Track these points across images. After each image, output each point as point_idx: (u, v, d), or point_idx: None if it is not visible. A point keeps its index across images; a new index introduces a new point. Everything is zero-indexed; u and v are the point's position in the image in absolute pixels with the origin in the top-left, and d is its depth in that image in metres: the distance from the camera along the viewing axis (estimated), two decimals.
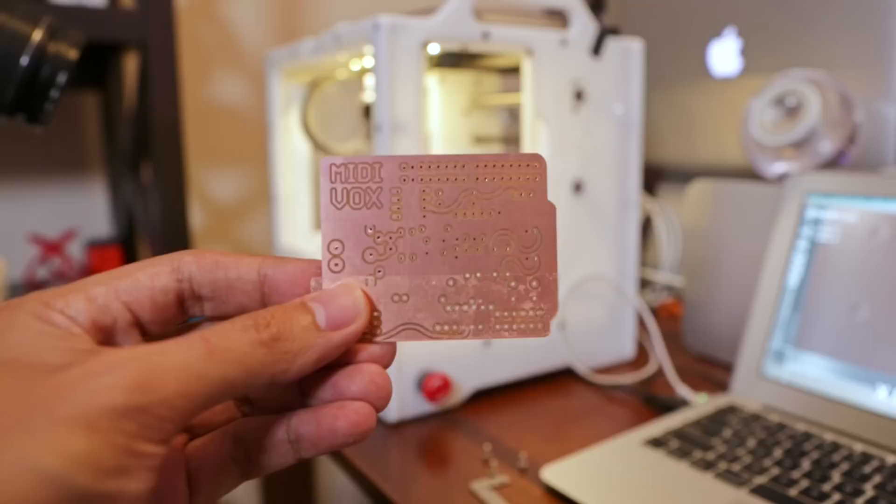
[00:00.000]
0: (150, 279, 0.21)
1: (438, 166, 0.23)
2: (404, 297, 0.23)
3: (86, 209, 0.97)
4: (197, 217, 1.03)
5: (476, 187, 0.23)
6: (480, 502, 0.46)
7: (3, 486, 0.15)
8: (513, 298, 0.23)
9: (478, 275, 0.23)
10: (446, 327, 0.23)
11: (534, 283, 0.23)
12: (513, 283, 0.23)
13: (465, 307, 0.23)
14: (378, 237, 0.23)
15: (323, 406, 0.22)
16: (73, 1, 0.69)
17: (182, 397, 0.18)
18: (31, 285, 0.87)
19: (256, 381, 0.20)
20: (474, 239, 0.23)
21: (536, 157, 0.23)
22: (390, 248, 0.23)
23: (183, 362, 0.18)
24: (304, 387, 0.23)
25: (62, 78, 0.44)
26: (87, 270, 0.92)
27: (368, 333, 0.23)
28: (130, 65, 0.88)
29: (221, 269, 0.22)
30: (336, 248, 0.23)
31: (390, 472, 0.50)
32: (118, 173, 0.92)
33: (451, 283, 0.23)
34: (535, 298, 0.23)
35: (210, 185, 1.04)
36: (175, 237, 0.77)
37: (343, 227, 0.23)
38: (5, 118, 0.44)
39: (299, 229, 0.82)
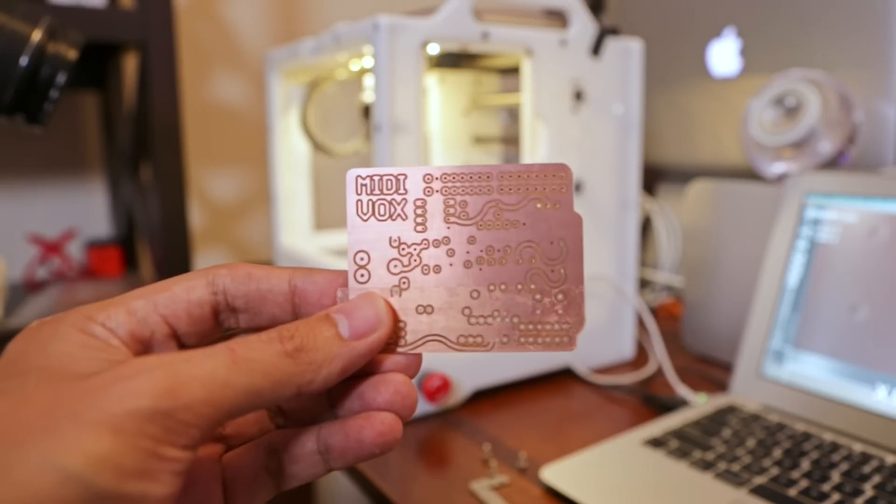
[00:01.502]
0: (186, 292, 0.22)
1: (463, 177, 0.23)
2: (429, 309, 0.23)
3: (85, 209, 0.97)
4: (197, 217, 1.03)
5: (501, 198, 0.23)
6: (480, 502, 0.46)
7: (27, 484, 0.16)
8: (538, 311, 0.23)
9: (502, 287, 0.23)
10: (470, 339, 0.23)
11: (559, 296, 0.23)
12: (538, 296, 0.23)
13: (489, 319, 0.23)
14: (402, 249, 0.23)
15: (350, 417, 0.23)
16: (73, 1, 0.69)
17: (207, 404, 0.18)
18: (30, 285, 0.87)
19: (283, 391, 0.20)
20: (499, 251, 0.23)
21: (562, 168, 0.23)
22: (415, 260, 0.23)
23: (209, 370, 0.19)
24: (333, 398, 0.24)
25: (61, 78, 0.44)
26: (87, 271, 0.92)
27: (393, 344, 0.23)
28: (130, 65, 0.88)
29: (254, 282, 0.23)
30: (361, 260, 0.24)
31: (390, 472, 0.50)
32: (118, 173, 0.93)
33: (475, 294, 0.23)
34: (560, 311, 0.23)
35: (210, 186, 1.04)
36: (175, 237, 0.77)
37: (368, 238, 0.23)
38: (5, 118, 0.44)
39: (299, 229, 0.82)
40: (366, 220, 0.23)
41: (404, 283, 0.23)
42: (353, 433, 0.23)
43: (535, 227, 0.23)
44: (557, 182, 0.23)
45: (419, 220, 0.23)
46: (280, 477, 0.24)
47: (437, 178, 0.23)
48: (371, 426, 0.22)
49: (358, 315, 0.22)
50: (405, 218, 0.23)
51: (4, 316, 0.76)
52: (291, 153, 0.80)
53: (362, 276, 0.23)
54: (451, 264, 0.23)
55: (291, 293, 0.23)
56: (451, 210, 0.23)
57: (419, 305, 0.23)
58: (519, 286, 0.23)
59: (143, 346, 0.21)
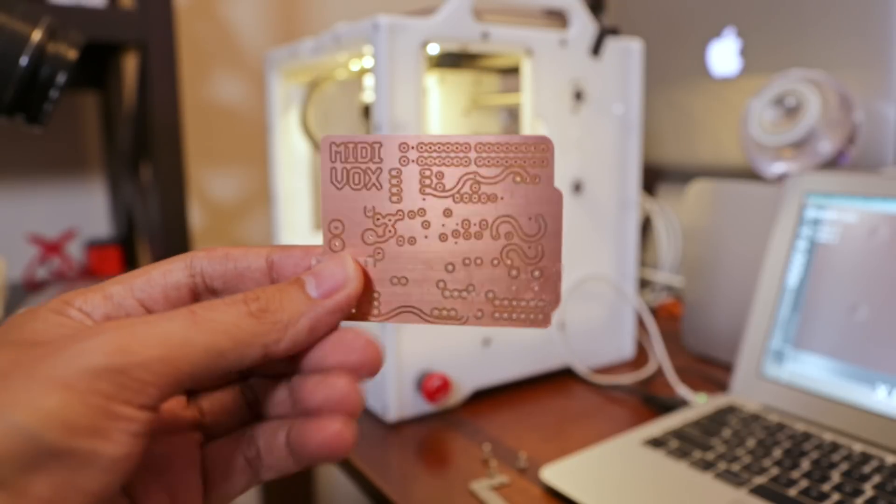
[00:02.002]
0: (163, 276, 0.22)
1: (440, 148, 0.22)
2: (403, 281, 0.23)
3: (85, 209, 0.97)
4: (197, 217, 1.03)
5: (479, 171, 0.22)
6: (480, 502, 0.46)
7: None
8: (513, 287, 0.23)
9: (478, 261, 0.23)
10: (444, 312, 0.23)
11: (536, 273, 0.22)
12: (514, 272, 0.23)
13: (464, 294, 0.23)
14: (377, 219, 0.23)
15: (305, 419, 0.22)
16: (73, 1, 0.69)
17: (163, 362, 0.18)
18: (30, 285, 0.87)
19: (247, 350, 0.20)
20: (475, 225, 0.23)
21: (544, 140, 0.22)
22: (389, 231, 0.23)
23: (166, 329, 0.19)
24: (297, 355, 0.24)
25: (61, 78, 0.44)
26: (87, 270, 0.92)
27: (366, 313, 0.23)
28: (130, 65, 0.88)
29: (231, 261, 0.23)
30: (336, 228, 0.23)
31: (390, 472, 0.50)
32: (118, 173, 0.92)
33: (450, 268, 0.23)
34: (536, 289, 0.22)
35: (210, 185, 1.04)
36: (175, 237, 0.77)
37: (343, 207, 0.23)
38: (5, 118, 0.44)
39: (299, 229, 0.82)
40: (340, 189, 0.23)
41: (378, 253, 0.23)
42: (298, 436, 0.22)
43: (514, 202, 0.22)
44: (538, 155, 0.22)
45: (394, 190, 0.23)
46: (259, 467, 0.23)
47: (412, 148, 0.23)
48: (319, 429, 0.22)
49: (325, 274, 0.22)
50: (380, 188, 0.23)
51: (4, 316, 0.76)
52: (291, 153, 0.80)
53: (336, 244, 0.23)
54: (426, 237, 0.23)
55: (269, 269, 0.23)
56: (427, 181, 0.23)
57: (393, 277, 0.23)
58: (495, 261, 0.23)
59: None
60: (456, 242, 0.23)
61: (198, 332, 0.19)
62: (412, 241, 0.23)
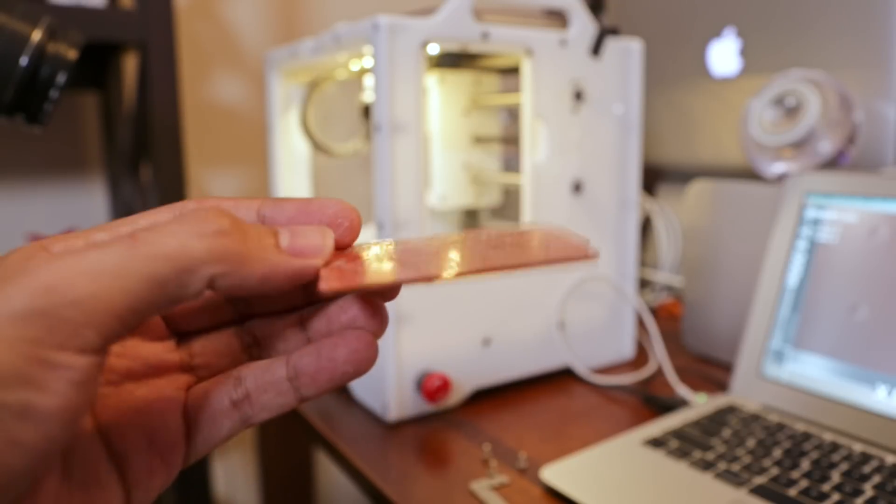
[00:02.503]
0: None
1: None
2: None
3: (85, 209, 0.97)
4: None
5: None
6: (480, 502, 0.46)
7: None
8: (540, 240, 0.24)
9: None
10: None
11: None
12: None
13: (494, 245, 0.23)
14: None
15: (322, 338, 0.22)
16: (73, 1, 0.69)
17: (95, 298, 0.16)
18: None
19: (190, 278, 0.18)
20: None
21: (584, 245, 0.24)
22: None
23: (98, 259, 0.17)
24: (304, 320, 0.23)
25: (61, 78, 0.44)
26: None
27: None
28: (130, 65, 0.88)
29: None
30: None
31: (390, 472, 0.50)
32: (118, 173, 0.92)
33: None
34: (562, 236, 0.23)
35: (210, 185, 1.04)
36: None
37: None
38: (5, 118, 0.44)
39: None
40: None
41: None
42: (326, 353, 0.22)
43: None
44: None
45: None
46: (248, 410, 0.22)
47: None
48: (345, 343, 0.22)
49: (302, 234, 0.21)
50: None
51: None
52: (291, 153, 0.80)
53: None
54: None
55: (260, 223, 0.22)
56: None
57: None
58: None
59: None
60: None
61: (134, 259, 0.17)
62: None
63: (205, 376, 0.24)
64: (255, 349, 0.24)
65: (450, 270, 0.20)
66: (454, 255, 0.22)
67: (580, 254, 0.22)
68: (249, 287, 0.19)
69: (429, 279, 0.20)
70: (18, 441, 0.16)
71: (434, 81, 0.75)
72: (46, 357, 0.16)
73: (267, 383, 0.22)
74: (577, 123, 0.64)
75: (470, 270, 0.20)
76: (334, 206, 0.22)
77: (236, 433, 0.23)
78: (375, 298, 0.23)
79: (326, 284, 0.21)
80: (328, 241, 0.21)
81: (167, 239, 0.17)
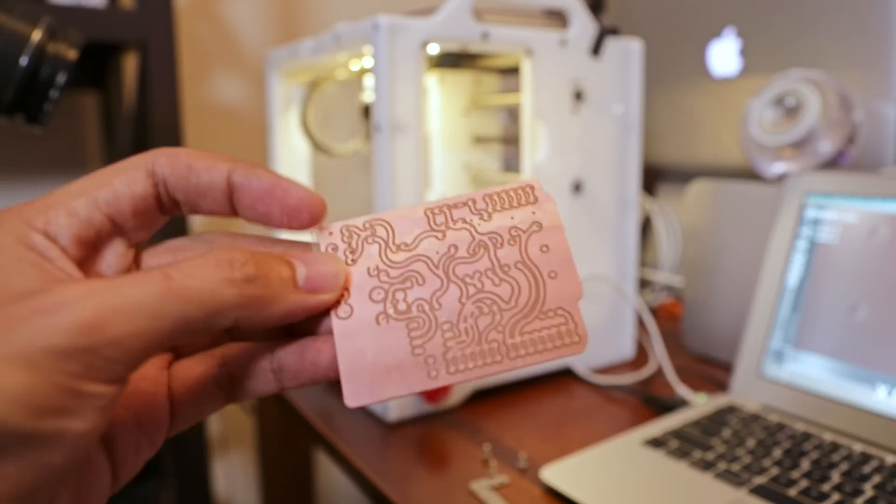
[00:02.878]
0: (128, 187, 0.21)
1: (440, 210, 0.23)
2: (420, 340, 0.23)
3: None
4: (196, 217, 1.03)
5: (476, 227, 0.23)
6: (480, 502, 0.46)
7: None
8: (536, 319, 0.23)
9: (492, 301, 0.23)
10: (466, 364, 0.23)
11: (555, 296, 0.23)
12: (532, 303, 0.23)
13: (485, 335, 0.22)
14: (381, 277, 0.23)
15: (308, 339, 0.22)
16: (73, 1, 0.69)
17: (132, 337, 0.17)
18: None
19: (217, 320, 0.19)
20: (485, 272, 0.23)
21: (529, 184, 0.23)
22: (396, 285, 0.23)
23: (137, 301, 0.17)
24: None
25: (61, 78, 0.44)
26: None
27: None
28: (130, 65, 0.88)
29: (194, 175, 0.21)
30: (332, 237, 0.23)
31: (390, 472, 0.50)
32: None
33: (465, 315, 0.23)
34: (559, 314, 0.23)
35: None
36: (175, 237, 0.77)
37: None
38: (5, 118, 0.44)
39: None
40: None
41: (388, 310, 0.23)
42: (310, 356, 0.22)
43: (516, 245, 0.23)
44: (531, 197, 0.23)
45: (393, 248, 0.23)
46: (230, 390, 0.23)
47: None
48: (329, 349, 0.22)
49: (316, 268, 0.21)
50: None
51: None
52: (291, 153, 0.80)
53: (331, 249, 0.23)
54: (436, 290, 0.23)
55: (229, 192, 0.22)
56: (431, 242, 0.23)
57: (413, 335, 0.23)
58: (509, 297, 0.23)
59: (89, 248, 0.20)
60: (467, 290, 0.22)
61: (171, 302, 0.18)
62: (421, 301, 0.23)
63: (184, 353, 0.24)
64: (237, 329, 0.24)
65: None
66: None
67: (569, 345, 0.22)
68: (270, 324, 0.21)
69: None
70: (48, 464, 0.17)
71: (434, 81, 0.75)
72: (80, 388, 0.17)
73: (250, 370, 0.23)
74: (577, 123, 0.64)
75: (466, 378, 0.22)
76: (297, 196, 0.22)
77: (217, 411, 0.24)
78: None
79: (354, 401, 0.22)
80: (340, 278, 0.22)
81: (199, 284, 0.18)
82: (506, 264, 0.23)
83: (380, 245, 0.23)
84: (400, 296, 0.22)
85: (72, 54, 0.44)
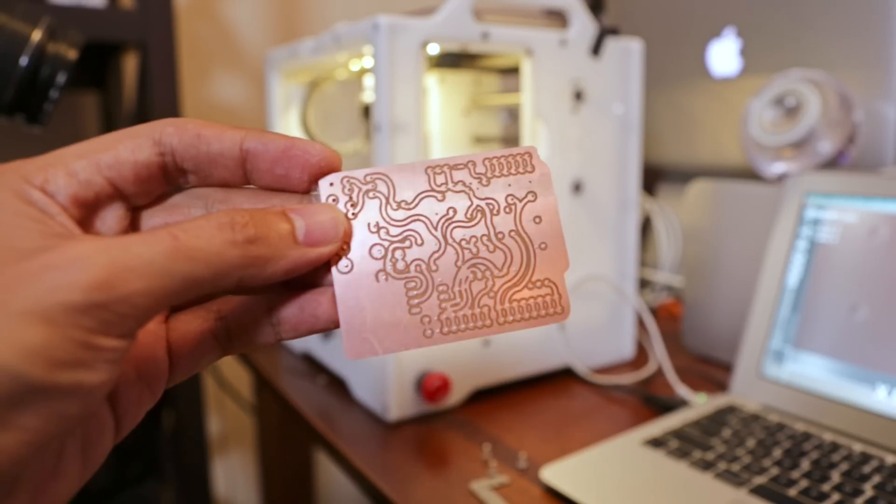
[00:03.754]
0: (132, 153, 0.21)
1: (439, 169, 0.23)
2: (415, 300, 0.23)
3: None
4: None
5: (475, 190, 0.23)
6: (480, 502, 0.46)
7: None
8: (522, 286, 0.23)
9: (483, 266, 0.23)
10: (457, 325, 0.23)
11: (542, 266, 0.23)
12: (521, 272, 0.23)
13: (476, 301, 0.23)
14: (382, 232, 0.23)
15: (306, 292, 0.23)
16: (73, 1, 0.69)
17: (143, 295, 0.18)
18: None
19: (223, 281, 0.19)
20: (478, 237, 0.23)
21: (527, 150, 0.23)
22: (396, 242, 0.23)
23: (147, 259, 0.18)
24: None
25: (61, 78, 0.44)
26: None
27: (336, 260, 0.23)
28: (130, 65, 0.88)
29: (204, 144, 0.21)
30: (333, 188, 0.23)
31: (390, 472, 0.50)
32: None
33: (460, 279, 0.23)
34: (546, 283, 0.23)
35: None
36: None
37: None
38: (5, 118, 0.44)
39: None
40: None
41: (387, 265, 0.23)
42: (309, 309, 0.22)
43: (510, 213, 0.23)
44: (526, 163, 0.24)
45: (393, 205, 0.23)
46: (227, 342, 0.23)
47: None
48: (328, 300, 0.22)
49: (315, 220, 0.22)
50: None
51: None
52: None
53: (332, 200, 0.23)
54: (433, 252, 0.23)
55: (242, 158, 0.22)
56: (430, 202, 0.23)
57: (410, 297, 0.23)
58: (500, 265, 0.23)
59: (87, 210, 0.20)
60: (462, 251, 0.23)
61: (178, 262, 0.18)
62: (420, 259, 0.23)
63: (182, 307, 0.24)
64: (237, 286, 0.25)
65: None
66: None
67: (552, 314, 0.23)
68: (274, 280, 0.21)
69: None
70: (65, 415, 0.17)
71: (434, 81, 0.75)
72: (94, 342, 0.17)
73: (248, 323, 0.23)
74: (577, 123, 0.64)
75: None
76: (318, 154, 0.22)
77: (215, 361, 0.24)
78: None
79: (354, 354, 0.22)
80: (340, 228, 0.22)
81: (205, 245, 0.19)
82: (500, 232, 0.23)
83: (380, 201, 0.23)
84: (399, 254, 0.23)
85: (72, 54, 0.44)
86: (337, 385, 0.66)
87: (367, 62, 0.65)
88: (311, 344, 0.72)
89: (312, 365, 0.72)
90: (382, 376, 0.57)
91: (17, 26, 0.42)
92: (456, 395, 0.60)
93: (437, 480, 0.49)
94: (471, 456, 0.52)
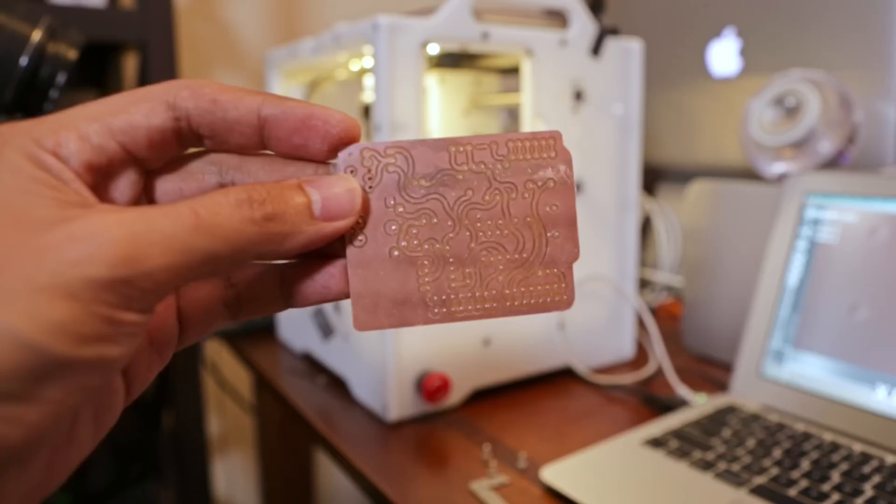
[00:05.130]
0: (145, 118, 0.20)
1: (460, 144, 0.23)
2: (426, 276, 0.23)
3: None
4: None
5: (494, 172, 0.23)
6: (480, 502, 0.46)
7: None
8: (531, 273, 0.23)
9: (495, 251, 0.23)
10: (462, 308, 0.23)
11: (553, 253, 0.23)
12: (531, 258, 0.23)
13: (484, 284, 0.23)
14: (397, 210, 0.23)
15: (319, 264, 0.23)
16: (73, 1, 0.69)
17: (165, 270, 0.18)
18: None
19: (242, 256, 0.20)
20: (494, 218, 0.23)
21: (552, 135, 0.23)
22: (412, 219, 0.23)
23: (170, 235, 0.18)
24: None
25: (62, 78, 0.44)
26: None
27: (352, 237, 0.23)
28: (130, 65, 0.88)
29: (220, 110, 0.21)
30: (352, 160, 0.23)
31: (390, 472, 0.50)
32: None
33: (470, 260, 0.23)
34: (554, 272, 0.24)
35: None
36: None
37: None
38: (5, 118, 0.44)
39: None
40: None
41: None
42: (321, 279, 0.23)
43: (528, 196, 0.23)
44: (548, 146, 0.23)
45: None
46: (237, 309, 0.23)
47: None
48: (341, 275, 0.23)
49: (331, 193, 0.21)
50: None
51: None
52: None
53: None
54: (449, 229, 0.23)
55: (260, 126, 0.21)
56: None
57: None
58: (511, 249, 0.23)
59: (101, 175, 0.20)
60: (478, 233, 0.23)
61: (199, 238, 0.18)
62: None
63: None
64: None
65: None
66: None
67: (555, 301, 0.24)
68: (291, 256, 0.21)
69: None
70: (88, 387, 0.18)
71: (434, 81, 0.75)
72: (117, 317, 0.17)
73: (259, 291, 0.23)
74: (577, 123, 0.64)
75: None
76: (339, 124, 0.22)
77: (223, 327, 0.25)
78: None
79: (362, 326, 0.23)
80: (356, 201, 0.22)
81: (224, 221, 0.19)
82: (515, 217, 0.23)
83: (399, 176, 0.23)
84: (413, 232, 0.23)
85: (72, 54, 0.44)
86: (337, 385, 0.66)
87: (367, 62, 0.65)
88: (311, 344, 0.72)
89: (312, 365, 0.72)
90: (382, 376, 0.57)
91: (18, 26, 0.42)
92: (456, 395, 0.60)
93: (437, 480, 0.49)
94: (471, 456, 0.52)
